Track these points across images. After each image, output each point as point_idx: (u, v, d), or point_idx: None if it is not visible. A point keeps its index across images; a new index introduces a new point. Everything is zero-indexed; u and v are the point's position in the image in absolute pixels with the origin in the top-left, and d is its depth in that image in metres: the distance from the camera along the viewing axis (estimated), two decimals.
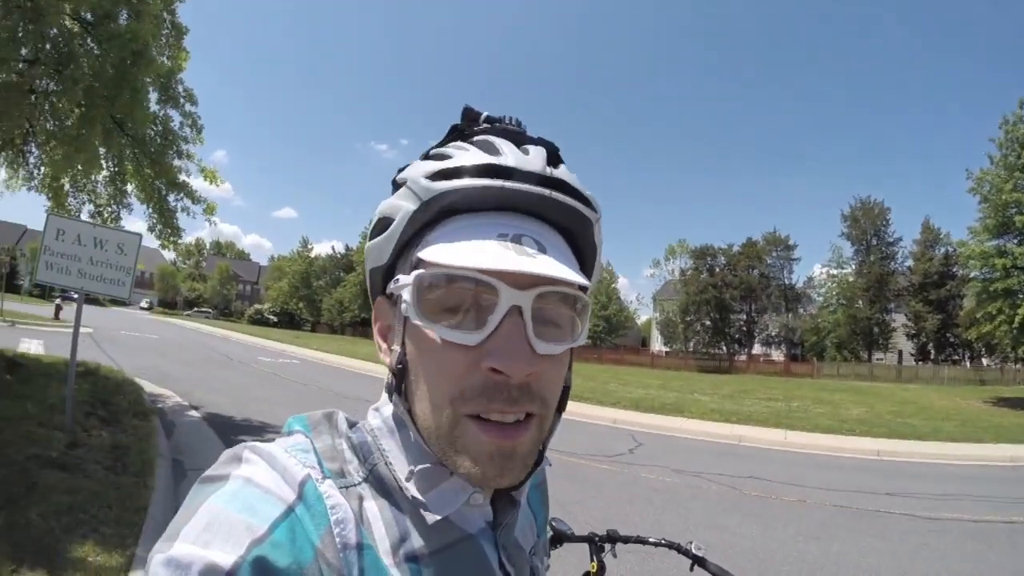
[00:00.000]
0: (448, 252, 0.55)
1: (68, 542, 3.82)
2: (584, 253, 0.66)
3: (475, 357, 0.54)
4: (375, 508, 0.58)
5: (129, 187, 11.19)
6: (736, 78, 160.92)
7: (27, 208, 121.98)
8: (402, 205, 0.60)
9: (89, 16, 7.81)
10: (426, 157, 0.63)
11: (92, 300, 60.98)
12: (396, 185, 0.63)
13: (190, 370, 16.23)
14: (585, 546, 2.31)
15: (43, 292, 58.57)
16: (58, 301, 32.52)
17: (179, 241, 11.10)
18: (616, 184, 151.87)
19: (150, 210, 10.75)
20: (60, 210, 10.25)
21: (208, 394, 11.92)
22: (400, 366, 0.60)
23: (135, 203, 11.42)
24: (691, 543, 2.07)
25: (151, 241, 10.38)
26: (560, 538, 2.21)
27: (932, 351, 50.04)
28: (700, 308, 55.64)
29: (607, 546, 2.26)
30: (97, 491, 4.80)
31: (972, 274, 27.05)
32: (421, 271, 0.56)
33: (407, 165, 0.63)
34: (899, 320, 50.90)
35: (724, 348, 56.64)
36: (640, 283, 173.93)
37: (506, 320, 0.54)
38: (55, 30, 7.98)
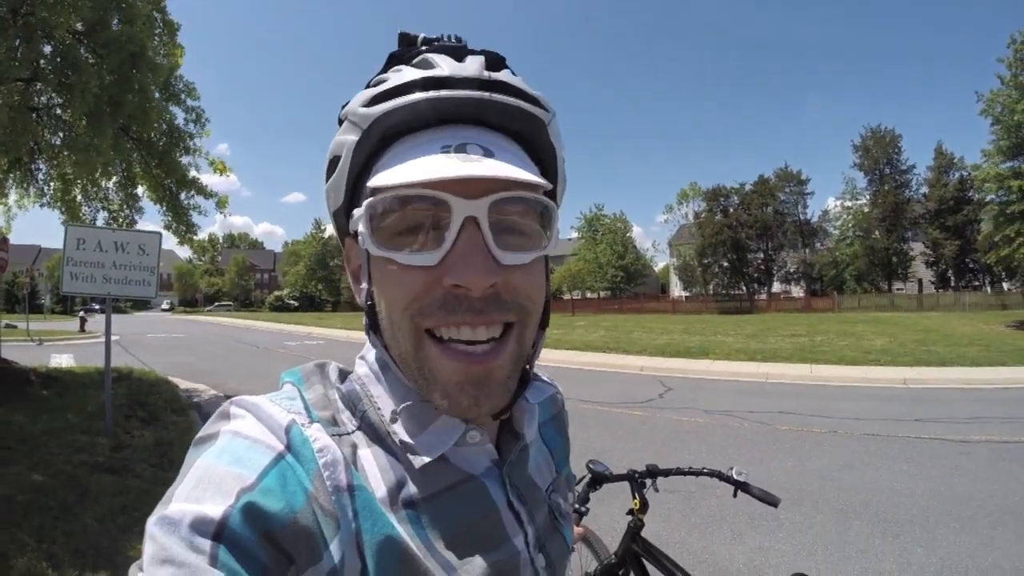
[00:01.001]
0: (393, 174, 0.53)
1: (125, 542, 3.95)
2: (542, 156, 0.63)
3: (436, 276, 0.53)
4: (369, 455, 0.57)
5: (140, 189, 11.29)
6: (740, 7, 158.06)
7: (39, 227, 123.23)
8: (346, 139, 0.58)
9: (80, 26, 7.83)
10: (367, 87, 0.60)
11: (114, 307, 61.37)
12: (341, 122, 0.61)
13: (219, 363, 16.56)
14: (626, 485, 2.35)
15: (65, 308, 59.24)
16: (81, 314, 32.85)
17: (195, 237, 11.23)
18: (624, 130, 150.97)
19: (163, 209, 10.85)
20: (75, 221, 10.36)
21: (240, 383, 12.20)
22: (369, 302, 0.59)
23: (147, 205, 11.54)
24: (731, 469, 2.11)
25: (166, 243, 10.49)
26: (599, 479, 2.24)
27: (952, 278, 49.47)
28: (716, 250, 55.10)
29: (648, 481, 2.28)
30: (147, 489, 4.94)
31: (988, 198, 26.66)
32: (372, 199, 0.54)
33: (349, 101, 0.60)
34: (917, 248, 50.19)
35: (744, 288, 56.19)
36: (654, 230, 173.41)
37: (463, 233, 0.52)
38: (49, 46, 8.01)
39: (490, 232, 0.53)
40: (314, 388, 0.60)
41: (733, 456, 6.42)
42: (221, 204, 11.32)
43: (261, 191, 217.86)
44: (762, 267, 56.98)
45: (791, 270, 57.24)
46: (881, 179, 52.19)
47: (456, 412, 0.56)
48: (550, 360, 15.97)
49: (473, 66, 0.57)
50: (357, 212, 0.57)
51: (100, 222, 11.28)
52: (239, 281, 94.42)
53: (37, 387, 9.23)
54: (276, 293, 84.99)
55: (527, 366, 0.61)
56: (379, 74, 0.61)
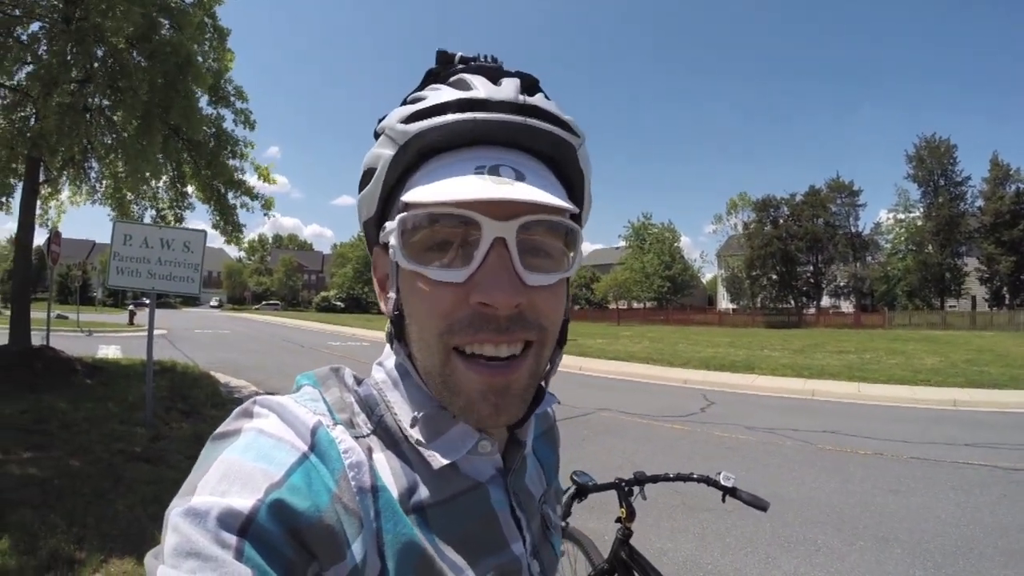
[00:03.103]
0: (427, 191, 0.54)
1: (154, 529, 3.98)
2: (572, 180, 0.64)
3: (463, 293, 0.54)
4: (383, 459, 0.58)
5: (189, 188, 11.60)
6: (793, 16, 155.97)
7: (94, 223, 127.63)
8: (382, 153, 0.60)
9: (131, 30, 8.05)
10: (404, 103, 0.62)
11: (164, 303, 63.55)
12: (377, 136, 0.62)
13: (263, 360, 16.84)
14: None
15: (116, 301, 61.14)
16: (131, 307, 33.85)
17: (241, 236, 11.47)
18: (674, 137, 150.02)
19: (212, 209, 11.11)
20: (125, 218, 10.68)
21: (282, 380, 12.33)
22: (396, 312, 0.60)
23: (195, 203, 11.86)
24: (719, 474, 2.08)
25: (216, 241, 10.77)
26: (583, 491, 2.24)
27: (1007, 295, 47.79)
28: (765, 262, 54.47)
29: (635, 489, 2.26)
30: (179, 479, 4.90)
31: None
32: (404, 214, 0.56)
33: (386, 115, 0.62)
34: (971, 264, 48.72)
35: (792, 302, 55.33)
36: (703, 240, 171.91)
37: (491, 253, 0.53)
38: (101, 50, 8.26)
39: (517, 253, 0.54)
40: (331, 391, 0.61)
41: (773, 474, 6.25)
42: (267, 206, 11.57)
43: (312, 193, 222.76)
44: (811, 280, 56.02)
45: (841, 284, 56.11)
46: (935, 191, 50.84)
47: (476, 421, 0.58)
48: (594, 370, 15.94)
49: (509, 89, 0.59)
50: (389, 225, 0.58)
51: (148, 219, 11.61)
52: (287, 281, 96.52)
53: (82, 376, 9.51)
54: (323, 294, 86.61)
55: (543, 382, 0.63)
56: (416, 91, 0.63)
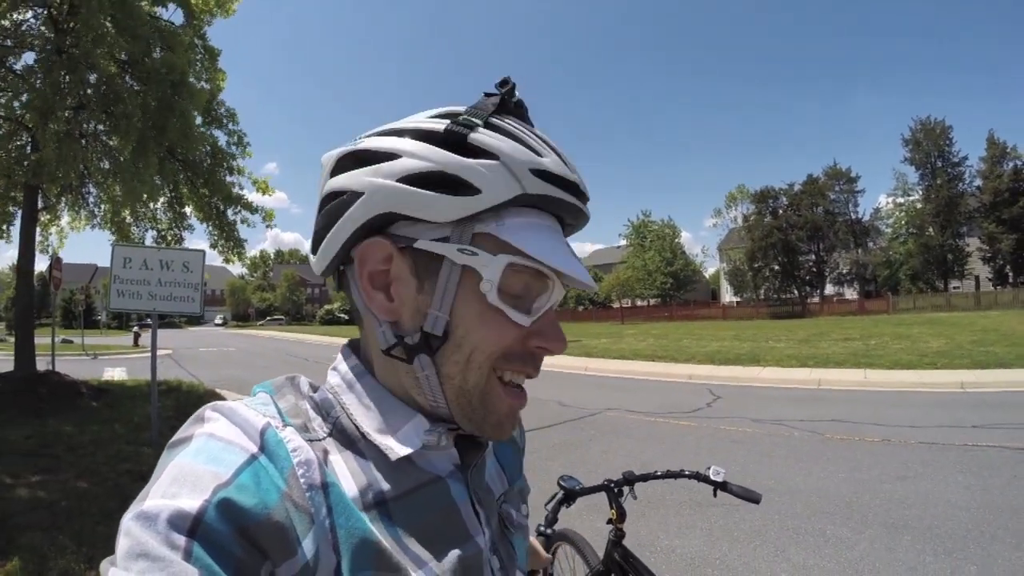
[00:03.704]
0: (533, 245, 0.59)
1: None
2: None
3: (524, 335, 0.62)
4: (340, 460, 0.59)
5: (187, 209, 11.65)
6: (783, 4, 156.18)
7: (96, 247, 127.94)
8: (497, 183, 0.58)
9: (124, 56, 8.09)
10: (495, 129, 0.61)
11: (168, 323, 63.72)
12: (470, 150, 0.59)
13: (267, 375, 16.24)
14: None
15: (120, 323, 61.31)
16: (135, 329, 33.97)
17: (243, 252, 11.52)
18: (669, 133, 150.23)
19: (210, 228, 11.15)
20: (125, 241, 10.73)
21: None
22: (442, 333, 0.60)
23: (195, 223, 11.91)
24: (709, 469, 2.07)
25: (218, 259, 10.80)
26: (571, 495, 2.23)
27: (1010, 274, 47.52)
28: (767, 253, 54.33)
29: (625, 490, 2.25)
30: None
31: None
32: (511, 257, 0.59)
33: (472, 124, 0.60)
34: (973, 244, 48.52)
35: (795, 292, 55.16)
36: (703, 235, 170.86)
37: (550, 308, 0.63)
38: (94, 76, 8.31)
39: None
40: (286, 398, 0.62)
41: (781, 466, 6.25)
42: (268, 217, 11.62)
43: (311, 208, 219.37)
44: (814, 269, 55.87)
45: (844, 271, 55.92)
46: (933, 173, 50.64)
47: (498, 435, 0.65)
48: (599, 369, 16.00)
49: (575, 171, 0.64)
50: (485, 256, 0.59)
51: (149, 241, 11.66)
52: (290, 296, 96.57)
53: (87, 399, 9.55)
54: (327, 307, 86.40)
55: None
56: (477, 110, 0.62)
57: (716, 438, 7.66)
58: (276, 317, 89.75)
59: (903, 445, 6.90)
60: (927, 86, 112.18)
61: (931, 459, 6.28)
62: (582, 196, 0.64)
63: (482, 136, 0.59)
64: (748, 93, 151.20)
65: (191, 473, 0.49)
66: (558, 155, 0.62)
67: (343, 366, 0.67)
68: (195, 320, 71.54)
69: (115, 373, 16.33)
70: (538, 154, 0.60)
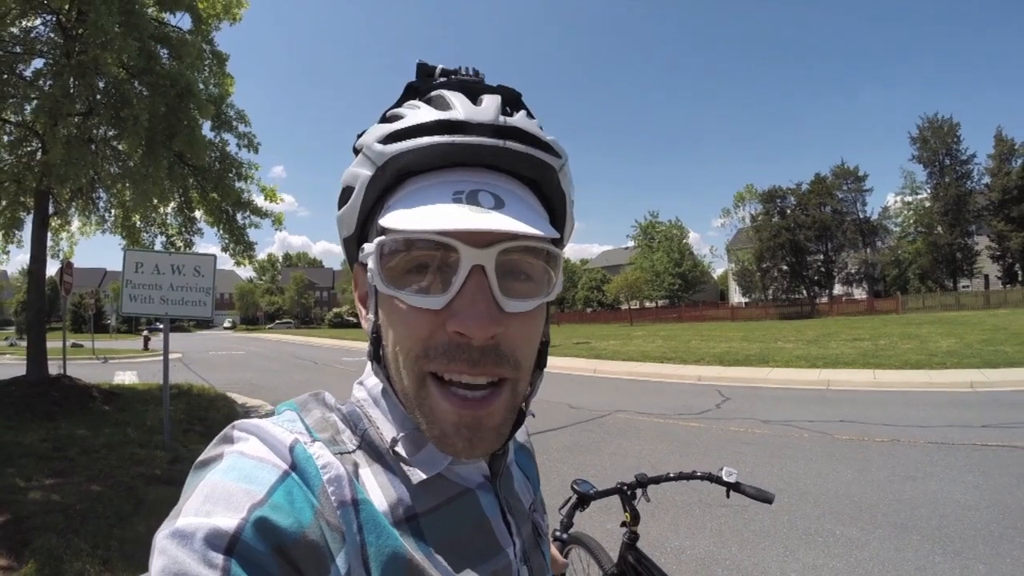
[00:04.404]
0: (405, 218, 0.54)
1: None
2: (552, 202, 0.64)
3: (441, 319, 0.54)
4: (370, 473, 0.58)
5: (197, 213, 11.71)
6: (789, 2, 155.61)
7: (105, 251, 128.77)
8: (360, 172, 0.59)
9: (129, 60, 8.16)
10: (382, 120, 0.61)
11: (178, 327, 63.87)
12: (356, 152, 0.62)
13: (278, 378, 16.97)
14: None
15: (130, 327, 61.60)
16: (145, 333, 34.04)
17: (253, 256, 11.57)
18: (677, 134, 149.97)
19: (220, 231, 11.21)
20: (135, 245, 10.80)
21: None
22: (375, 334, 0.61)
23: (205, 228, 11.99)
24: (722, 470, 2.05)
25: (227, 263, 10.86)
26: (585, 499, 2.23)
27: (1019, 272, 47.17)
28: (775, 253, 54.18)
29: (638, 492, 2.24)
30: None
31: None
32: (382, 238, 0.56)
33: (365, 131, 0.61)
34: (982, 243, 48.20)
35: (804, 292, 55.00)
36: (711, 236, 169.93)
37: (470, 280, 0.53)
38: (103, 82, 8.39)
39: (496, 279, 0.54)
40: (312, 413, 0.61)
41: (790, 467, 6.24)
42: (277, 221, 11.69)
43: (319, 210, 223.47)
44: (822, 269, 55.65)
45: (852, 271, 55.69)
46: (941, 171, 50.35)
47: (451, 453, 0.57)
48: (608, 372, 16.01)
49: (489, 111, 0.57)
50: (367, 247, 0.58)
51: (159, 246, 11.73)
52: (299, 299, 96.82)
53: (99, 402, 9.61)
54: (335, 310, 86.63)
55: (523, 405, 0.63)
56: (395, 106, 0.63)
57: (726, 439, 7.66)
58: (285, 320, 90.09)
59: (912, 445, 6.89)
60: (934, 83, 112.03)
61: (940, 459, 6.27)
62: (478, 128, 0.56)
63: (363, 138, 0.61)
64: (756, 92, 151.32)
65: (224, 491, 0.48)
66: (463, 104, 0.58)
67: (369, 381, 0.66)
68: (204, 324, 71.86)
69: (126, 377, 16.45)
70: (399, 117, 0.59)
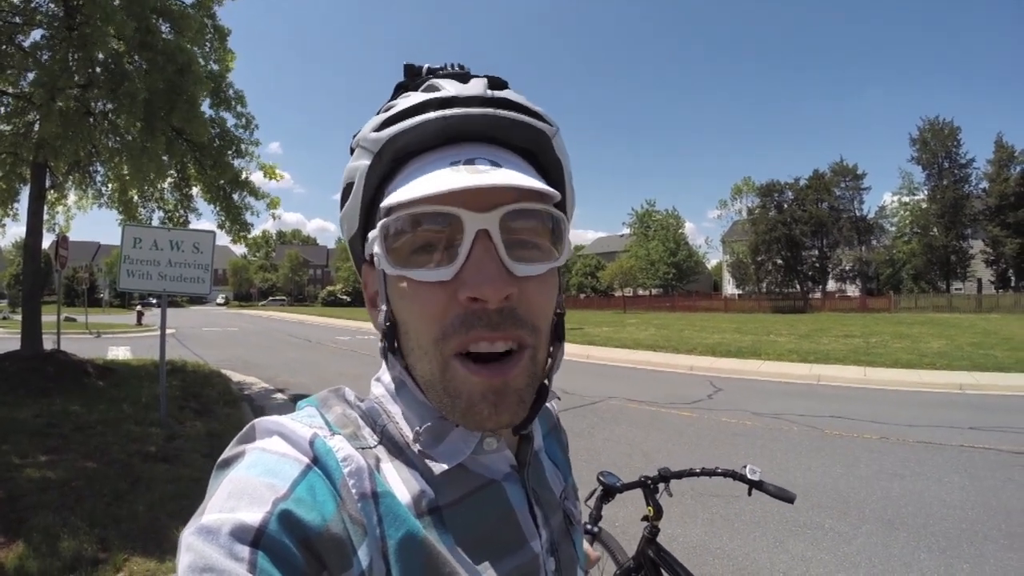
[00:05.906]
0: (403, 191, 0.55)
1: (174, 528, 4.07)
2: (549, 171, 0.64)
3: (452, 291, 0.54)
4: (391, 468, 0.58)
5: (194, 190, 11.64)
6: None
7: (99, 225, 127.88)
8: (359, 164, 0.60)
9: (130, 33, 8.09)
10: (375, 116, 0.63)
11: (171, 302, 63.41)
12: (352, 151, 0.63)
13: (271, 356, 17.03)
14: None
15: (123, 302, 61.45)
16: (138, 308, 33.94)
17: (248, 235, 11.52)
18: (677, 124, 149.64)
19: (217, 209, 11.15)
20: (132, 221, 10.74)
21: (291, 376, 12.58)
22: (388, 323, 0.60)
23: (202, 205, 11.94)
24: (745, 467, 2.05)
25: (222, 239, 10.82)
26: (610, 491, 2.21)
27: (1013, 278, 47.32)
28: (770, 247, 54.11)
29: (661, 486, 2.24)
30: (197, 478, 5.10)
31: None
32: (386, 219, 0.56)
33: (359, 130, 0.62)
34: (977, 247, 48.35)
35: (798, 287, 54.96)
36: (707, 226, 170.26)
37: (476, 246, 0.53)
38: (102, 54, 8.30)
39: (503, 243, 0.54)
40: (332, 409, 0.61)
41: (780, 460, 6.31)
42: (272, 205, 11.64)
43: (314, 188, 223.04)
44: (817, 265, 55.62)
45: (846, 268, 55.72)
46: (939, 173, 50.37)
47: (476, 423, 0.56)
48: (601, 358, 16.06)
49: (478, 87, 0.59)
50: (372, 234, 0.58)
51: (156, 221, 11.68)
52: (293, 276, 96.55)
53: (94, 378, 9.60)
54: (329, 288, 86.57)
55: (545, 380, 0.63)
56: (388, 103, 0.64)
57: (717, 430, 7.73)
58: (278, 298, 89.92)
59: (900, 443, 6.97)
60: (937, 86, 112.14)
61: (927, 458, 6.35)
62: (468, 101, 0.58)
63: (359, 133, 0.62)
64: (757, 85, 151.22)
65: (248, 487, 0.49)
66: (452, 85, 0.60)
67: (386, 377, 0.66)
68: (197, 300, 71.63)
69: (119, 352, 16.44)
70: (392, 107, 0.60)
